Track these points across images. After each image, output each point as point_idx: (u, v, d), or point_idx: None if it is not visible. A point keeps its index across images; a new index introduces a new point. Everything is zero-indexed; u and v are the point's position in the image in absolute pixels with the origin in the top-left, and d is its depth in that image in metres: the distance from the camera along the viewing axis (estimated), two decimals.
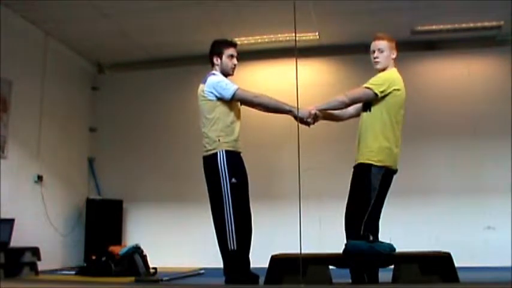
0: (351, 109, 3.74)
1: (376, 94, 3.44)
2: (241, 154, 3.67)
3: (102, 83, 7.76)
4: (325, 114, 3.72)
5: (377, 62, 3.58)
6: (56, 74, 6.75)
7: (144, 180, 7.31)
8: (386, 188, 3.48)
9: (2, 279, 4.62)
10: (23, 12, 5.98)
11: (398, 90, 3.49)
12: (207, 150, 3.60)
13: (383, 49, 3.57)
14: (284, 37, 6.71)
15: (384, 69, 3.58)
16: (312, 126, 3.68)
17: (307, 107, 3.60)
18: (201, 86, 3.67)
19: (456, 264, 3.51)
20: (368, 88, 3.46)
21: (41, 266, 5.58)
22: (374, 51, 3.60)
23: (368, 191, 3.39)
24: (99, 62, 7.72)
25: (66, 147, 6.97)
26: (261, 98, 3.68)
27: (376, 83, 3.47)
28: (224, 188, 3.50)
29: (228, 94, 3.57)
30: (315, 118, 3.62)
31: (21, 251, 5.35)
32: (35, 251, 5.48)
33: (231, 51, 3.73)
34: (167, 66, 7.50)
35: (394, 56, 3.61)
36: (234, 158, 3.59)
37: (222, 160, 3.53)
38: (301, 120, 3.61)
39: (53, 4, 5.76)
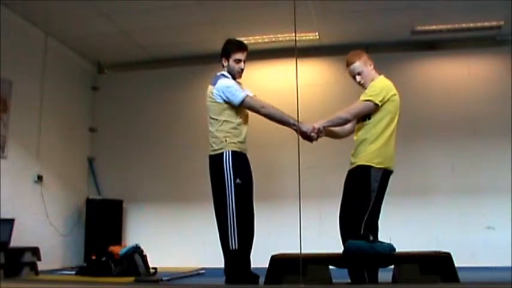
0: (349, 125, 3.78)
1: (376, 104, 3.49)
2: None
3: (102, 83, 7.76)
4: (326, 131, 3.74)
5: (363, 84, 3.65)
6: (56, 74, 6.74)
7: (144, 180, 7.31)
8: (385, 188, 3.52)
9: (2, 279, 4.61)
10: (23, 12, 5.97)
11: (394, 95, 3.57)
12: (214, 150, 3.60)
13: (360, 70, 3.63)
14: (284, 37, 6.70)
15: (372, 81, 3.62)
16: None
17: (311, 123, 3.61)
18: (210, 87, 3.66)
19: (456, 264, 3.50)
20: (368, 101, 3.51)
21: (41, 266, 5.58)
22: (354, 76, 3.65)
23: (367, 192, 3.42)
24: (99, 62, 7.72)
25: (66, 147, 6.97)
26: (267, 109, 3.64)
27: (374, 93, 3.52)
28: (228, 188, 3.50)
29: (236, 100, 3.56)
30: (319, 133, 3.63)
31: (21, 251, 5.35)
32: (35, 251, 5.48)
33: (238, 55, 3.71)
34: (167, 66, 7.49)
35: (371, 66, 3.67)
36: (240, 159, 3.59)
37: (227, 160, 3.53)
38: (304, 135, 3.60)
39: (53, 4, 5.76)
